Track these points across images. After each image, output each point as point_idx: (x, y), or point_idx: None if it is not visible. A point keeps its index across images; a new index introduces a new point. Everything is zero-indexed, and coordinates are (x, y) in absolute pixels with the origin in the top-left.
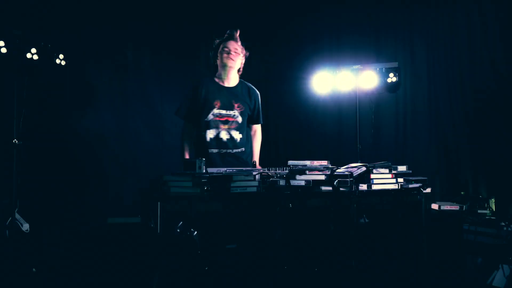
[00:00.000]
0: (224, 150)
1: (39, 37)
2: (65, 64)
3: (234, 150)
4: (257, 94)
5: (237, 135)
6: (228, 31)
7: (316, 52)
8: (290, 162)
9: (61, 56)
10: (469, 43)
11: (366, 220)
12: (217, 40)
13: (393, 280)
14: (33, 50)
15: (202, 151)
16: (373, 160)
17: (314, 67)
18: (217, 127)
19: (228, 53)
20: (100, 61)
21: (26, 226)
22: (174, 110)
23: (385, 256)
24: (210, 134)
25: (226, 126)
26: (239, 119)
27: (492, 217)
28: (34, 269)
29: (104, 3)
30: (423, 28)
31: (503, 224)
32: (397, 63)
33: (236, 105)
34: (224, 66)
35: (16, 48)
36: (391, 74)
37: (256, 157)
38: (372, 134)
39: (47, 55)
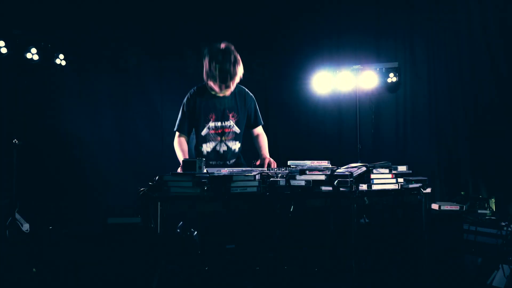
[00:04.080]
0: (222, 162)
1: (39, 37)
2: (65, 64)
3: (232, 161)
4: (251, 97)
5: (234, 145)
6: (222, 47)
7: (316, 52)
8: (290, 162)
9: (61, 56)
10: (469, 43)
11: (366, 220)
12: (212, 60)
13: (393, 280)
14: (33, 50)
15: None
16: (373, 160)
17: (314, 67)
18: (214, 140)
19: (223, 82)
20: (100, 61)
21: (26, 226)
22: (174, 110)
23: (385, 256)
24: (207, 147)
25: (223, 138)
26: (236, 129)
27: (492, 217)
28: (34, 269)
29: (104, 4)
30: (423, 28)
31: (503, 224)
32: (397, 63)
33: (231, 115)
34: (220, 88)
35: (16, 48)
36: (391, 74)
37: (265, 153)
38: (372, 134)
39: (47, 55)
